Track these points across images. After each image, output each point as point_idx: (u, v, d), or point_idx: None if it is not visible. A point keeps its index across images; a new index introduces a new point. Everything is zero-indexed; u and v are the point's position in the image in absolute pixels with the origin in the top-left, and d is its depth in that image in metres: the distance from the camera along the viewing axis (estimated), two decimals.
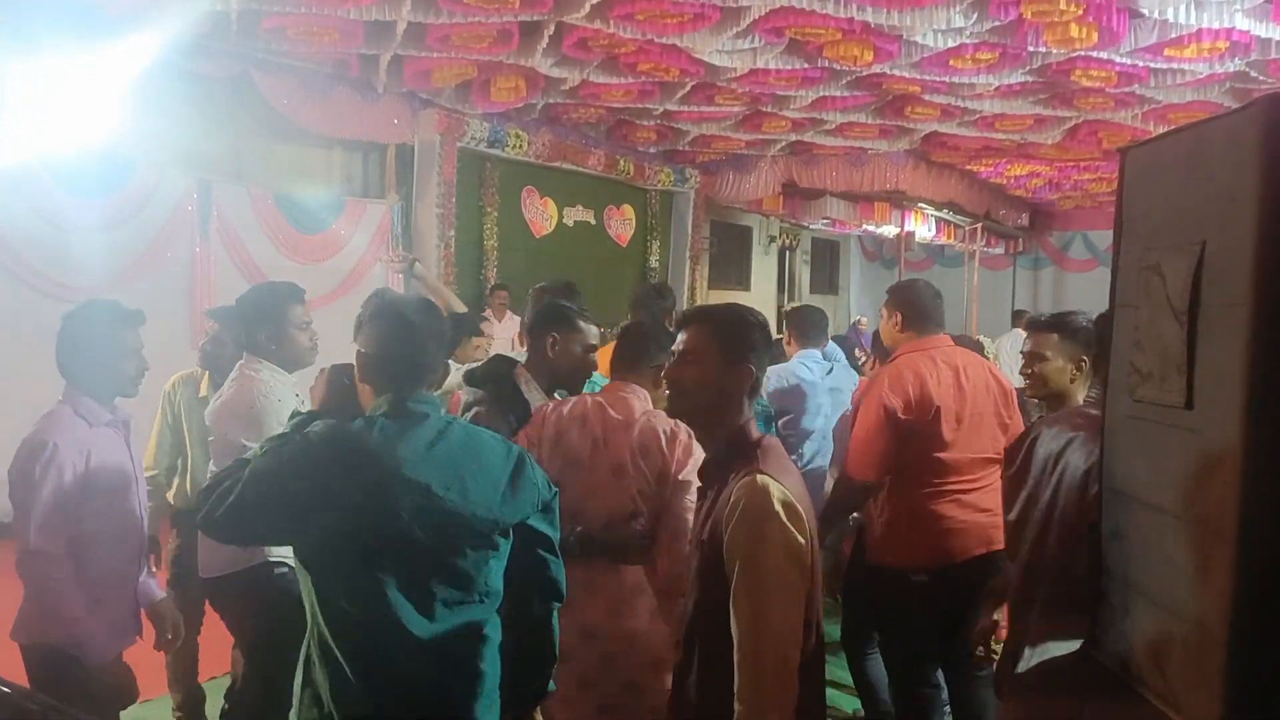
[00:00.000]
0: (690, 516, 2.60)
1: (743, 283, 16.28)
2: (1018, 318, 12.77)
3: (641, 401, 2.94)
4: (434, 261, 9.80)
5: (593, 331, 3.29)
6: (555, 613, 2.46)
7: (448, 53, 7.83)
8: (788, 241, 17.86)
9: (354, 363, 2.30)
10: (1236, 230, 1.35)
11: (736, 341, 2.16)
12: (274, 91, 8.22)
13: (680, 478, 2.78)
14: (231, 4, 6.67)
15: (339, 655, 2.10)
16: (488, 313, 9.95)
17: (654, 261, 13.56)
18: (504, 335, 8.91)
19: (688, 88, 9.16)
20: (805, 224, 16.92)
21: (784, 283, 18.21)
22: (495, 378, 3.17)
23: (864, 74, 8.35)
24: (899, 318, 3.86)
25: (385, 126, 9.33)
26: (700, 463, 2.59)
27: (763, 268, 17.10)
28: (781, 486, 2.01)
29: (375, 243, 9.57)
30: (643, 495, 2.81)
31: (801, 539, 1.98)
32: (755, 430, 2.18)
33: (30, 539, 2.71)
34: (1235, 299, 1.34)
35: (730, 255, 16.16)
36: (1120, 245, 1.67)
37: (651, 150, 12.45)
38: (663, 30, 7.21)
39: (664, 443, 2.82)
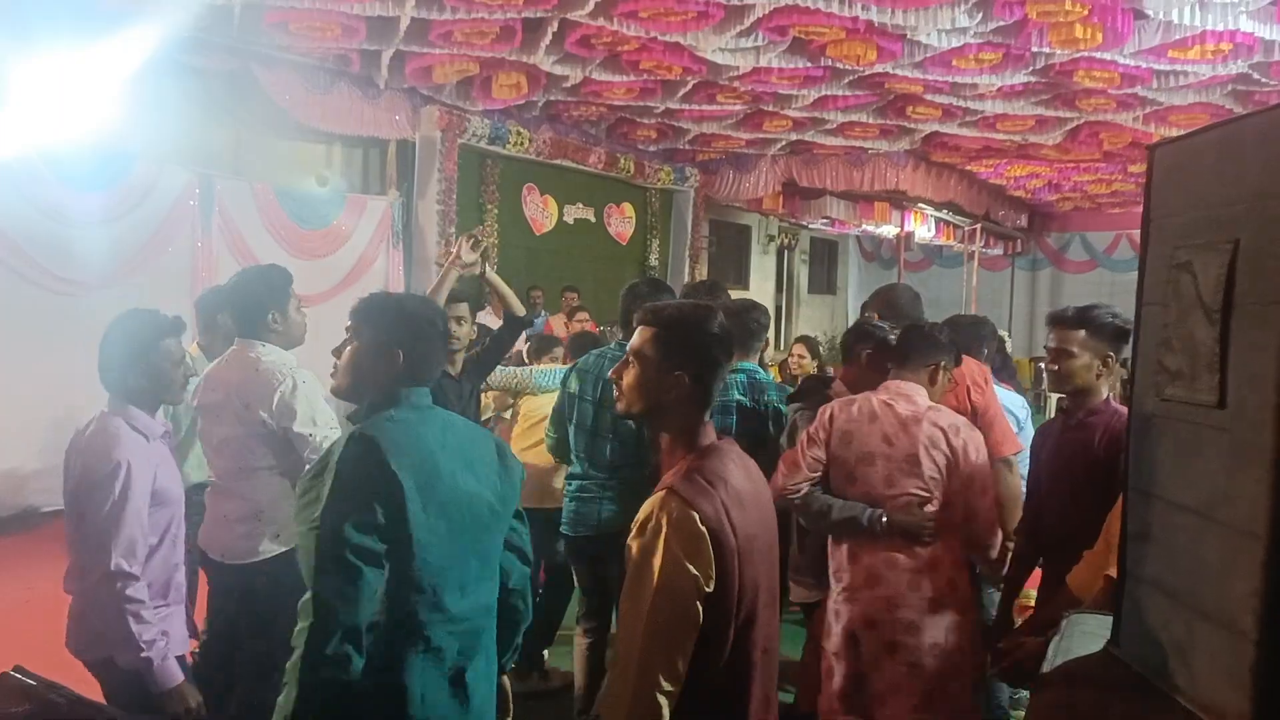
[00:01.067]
0: (981, 501, 3.18)
1: (741, 281, 16.28)
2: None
3: (922, 398, 3.27)
4: (434, 258, 9.79)
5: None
6: (529, 578, 2.55)
7: (450, 49, 7.82)
8: (786, 241, 17.86)
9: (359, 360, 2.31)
10: (1272, 228, 1.34)
11: (676, 348, 2.08)
12: (275, 87, 8.20)
13: (963, 467, 3.17)
14: None
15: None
16: (490, 309, 9.94)
17: (653, 260, 13.55)
18: None
19: (689, 86, 9.15)
20: (804, 223, 16.92)
21: (782, 282, 18.21)
22: (814, 391, 3.70)
23: (866, 73, 8.34)
24: (875, 319, 4.08)
25: (386, 122, 9.31)
26: (980, 447, 3.21)
27: (761, 267, 17.09)
28: (685, 504, 1.92)
29: (376, 238, 9.56)
30: (934, 483, 3.17)
31: (691, 566, 1.90)
32: (703, 437, 2.10)
33: (112, 560, 2.64)
34: (1270, 297, 1.33)
35: (729, 254, 16.16)
36: (1148, 244, 1.66)
37: (652, 149, 12.44)
38: (666, 28, 7.20)
39: (949, 436, 3.18)
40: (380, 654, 2.14)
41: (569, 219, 12.25)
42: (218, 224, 8.09)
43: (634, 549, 1.98)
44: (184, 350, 2.97)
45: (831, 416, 3.30)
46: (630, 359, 2.13)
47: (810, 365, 6.90)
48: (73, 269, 7.01)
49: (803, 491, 3.28)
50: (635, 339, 2.14)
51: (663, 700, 1.91)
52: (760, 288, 16.67)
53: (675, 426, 2.10)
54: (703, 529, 1.92)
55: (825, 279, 20.32)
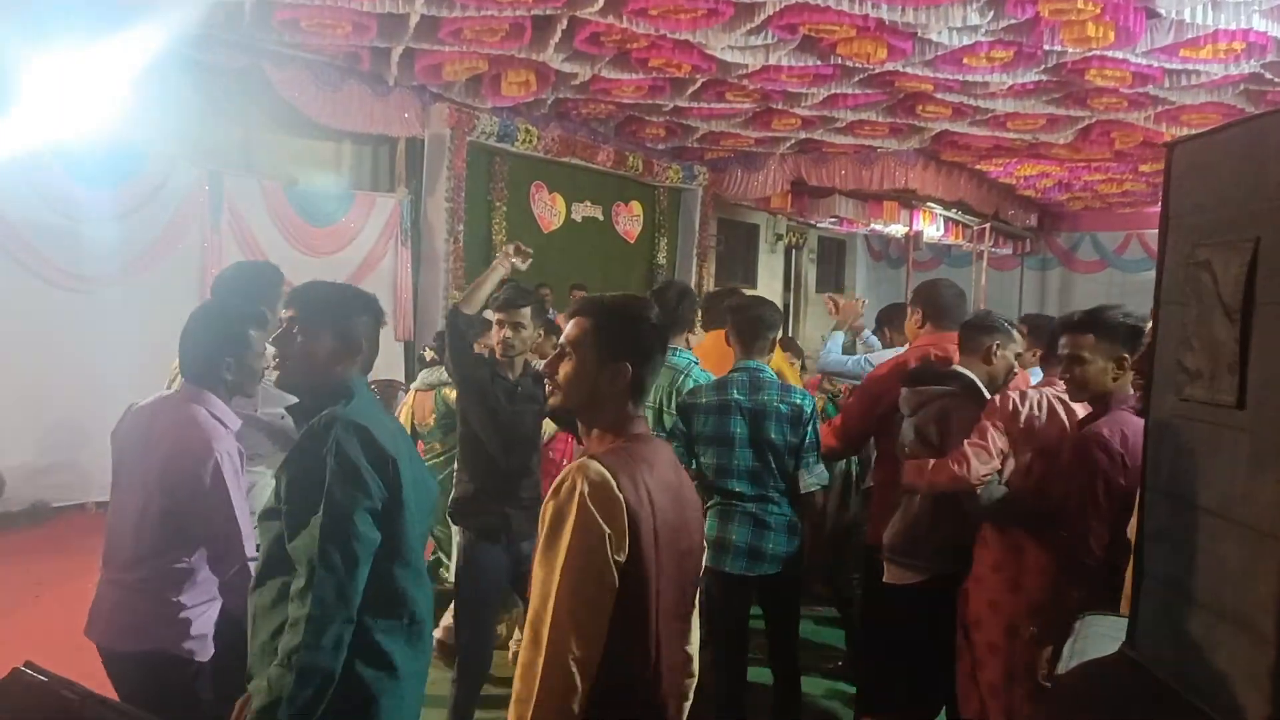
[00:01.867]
0: None
1: (749, 280, 16.26)
2: None
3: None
4: (443, 256, 9.80)
5: (1021, 340, 3.82)
6: None
7: (459, 47, 7.81)
8: (794, 240, 17.83)
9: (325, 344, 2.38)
10: None
11: (615, 338, 2.05)
12: (286, 84, 8.21)
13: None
14: None
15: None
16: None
17: (661, 258, 13.54)
18: None
19: (698, 84, 9.14)
20: (812, 222, 16.89)
21: (790, 281, 18.19)
22: (949, 376, 3.68)
23: (876, 72, 8.32)
24: (919, 315, 4.09)
25: (396, 120, 9.31)
26: None
27: (769, 266, 17.08)
28: (603, 470, 1.89)
29: (385, 235, 9.57)
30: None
31: (604, 526, 1.85)
32: (635, 427, 2.07)
33: (248, 549, 2.65)
34: None
35: (737, 253, 16.15)
36: (1166, 242, 1.65)
37: (660, 147, 12.43)
38: (676, 26, 7.18)
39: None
40: (368, 625, 2.23)
41: (577, 217, 12.24)
42: (227, 220, 8.11)
43: (548, 511, 1.91)
44: (265, 343, 2.94)
45: (1015, 409, 3.36)
46: (567, 351, 2.07)
47: (795, 369, 6.99)
48: (83, 265, 7.02)
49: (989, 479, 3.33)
50: (571, 330, 2.09)
51: (575, 669, 1.83)
52: (768, 287, 16.65)
53: (608, 419, 2.05)
54: (619, 495, 1.87)
55: (833, 278, 20.28)
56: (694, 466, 3.80)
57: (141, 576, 2.69)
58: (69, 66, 6.17)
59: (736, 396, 3.75)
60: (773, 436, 3.72)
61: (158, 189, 7.60)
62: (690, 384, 4.06)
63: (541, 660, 1.84)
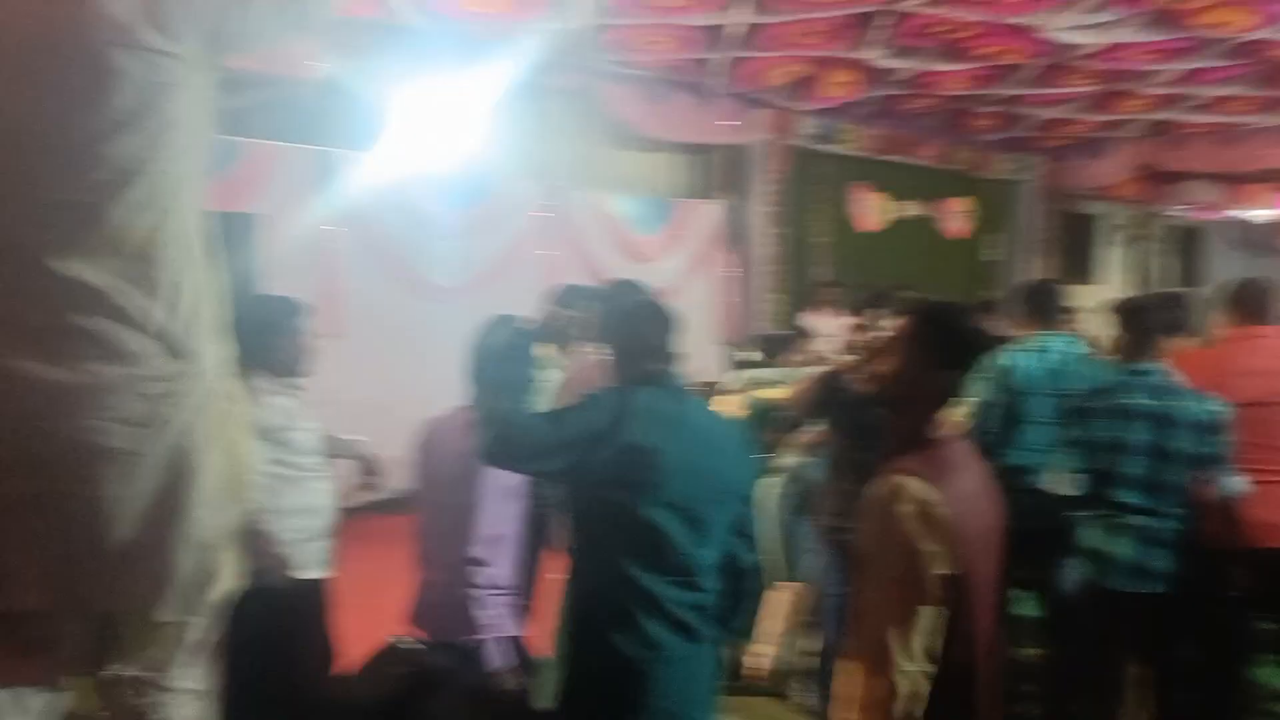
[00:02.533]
0: None
1: (1088, 275, 15.16)
2: None
3: None
4: (764, 260, 9.91)
5: None
6: None
7: (781, 51, 7.86)
8: (1139, 230, 16.41)
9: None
10: None
11: (943, 345, 2.15)
12: (616, 101, 8.62)
13: None
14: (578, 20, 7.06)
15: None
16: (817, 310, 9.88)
17: (992, 255, 12.94)
18: (834, 333, 8.76)
19: (1032, 70, 8.64)
20: (1161, 210, 15.48)
21: (1136, 275, 16.74)
22: None
23: (1241, 40, 7.48)
24: (1230, 312, 4.08)
25: (718, 128, 9.54)
26: None
27: (1110, 259, 15.83)
28: (922, 486, 2.02)
29: (708, 241, 9.86)
30: None
31: (927, 543, 1.96)
32: (940, 430, 2.16)
33: None
34: None
35: (1074, 246, 15.08)
36: None
37: (989, 138, 11.87)
38: (1007, 11, 6.84)
39: None
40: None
41: (901, 215, 11.93)
42: (563, 234, 8.65)
43: (868, 528, 2.01)
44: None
45: None
46: (893, 347, 2.17)
47: None
48: (437, 275, 7.78)
49: None
50: (901, 328, 2.20)
51: (903, 682, 1.90)
52: (1110, 281, 15.45)
53: (919, 419, 2.11)
54: (939, 512, 1.94)
55: (1186, 270, 18.36)
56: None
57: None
58: (434, 100, 6.85)
59: (1142, 401, 3.49)
60: (1180, 445, 3.44)
61: (504, 207, 8.26)
62: (1073, 365, 4.13)
63: (869, 672, 1.93)
